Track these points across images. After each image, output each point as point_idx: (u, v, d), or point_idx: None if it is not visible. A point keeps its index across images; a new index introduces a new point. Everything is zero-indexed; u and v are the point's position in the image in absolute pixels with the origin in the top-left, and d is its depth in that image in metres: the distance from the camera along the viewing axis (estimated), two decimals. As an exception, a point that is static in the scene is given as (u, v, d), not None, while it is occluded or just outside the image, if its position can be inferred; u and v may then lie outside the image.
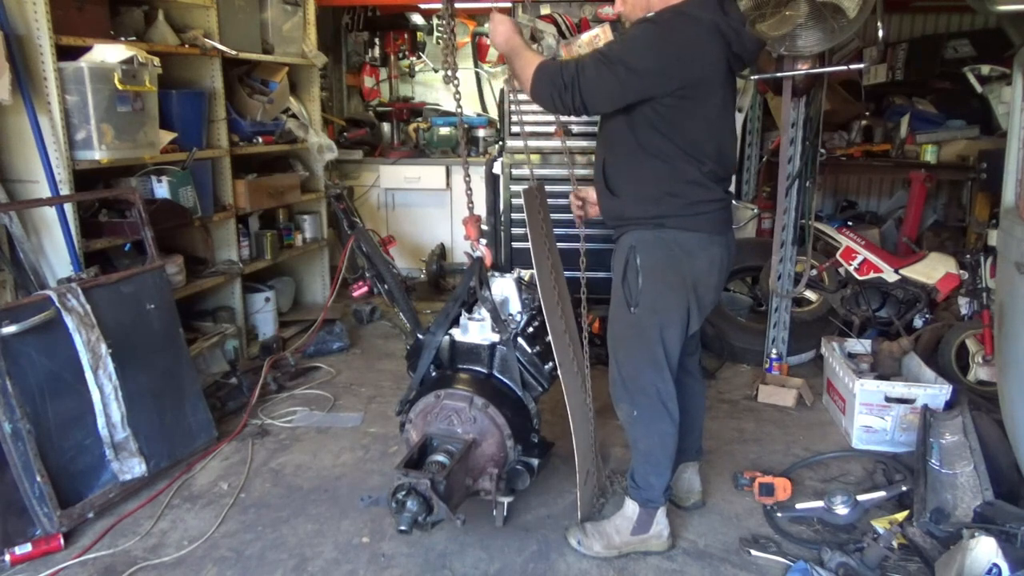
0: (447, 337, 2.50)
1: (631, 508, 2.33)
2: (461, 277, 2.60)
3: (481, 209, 4.21)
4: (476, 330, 2.49)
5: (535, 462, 2.40)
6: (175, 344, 2.94)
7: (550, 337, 2.31)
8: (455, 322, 2.54)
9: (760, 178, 5.16)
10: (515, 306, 2.58)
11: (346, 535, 2.44)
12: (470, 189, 2.44)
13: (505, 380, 2.46)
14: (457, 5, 2.43)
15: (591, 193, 2.42)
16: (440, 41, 6.10)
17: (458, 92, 2.31)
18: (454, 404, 2.32)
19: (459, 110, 2.37)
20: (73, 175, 2.83)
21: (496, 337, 2.45)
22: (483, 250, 2.45)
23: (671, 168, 2.09)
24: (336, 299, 4.15)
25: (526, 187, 2.38)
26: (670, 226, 2.11)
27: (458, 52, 2.49)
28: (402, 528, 2.04)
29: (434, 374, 2.50)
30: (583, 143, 4.54)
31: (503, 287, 2.58)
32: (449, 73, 2.28)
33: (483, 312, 2.47)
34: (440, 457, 2.21)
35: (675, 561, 2.31)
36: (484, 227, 2.49)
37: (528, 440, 2.40)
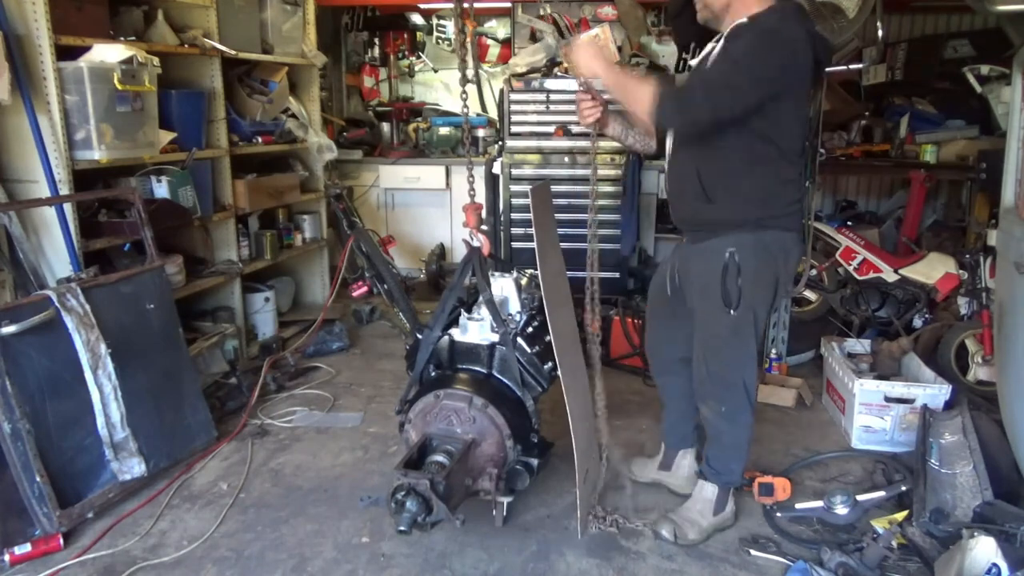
0: (447, 337, 2.50)
1: (710, 490, 2.42)
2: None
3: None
4: (476, 330, 2.48)
5: (535, 462, 2.40)
6: (175, 344, 2.94)
7: (551, 336, 2.31)
8: (454, 320, 2.53)
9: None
10: (514, 306, 2.58)
11: (346, 535, 2.44)
12: (472, 176, 2.45)
13: (505, 380, 2.45)
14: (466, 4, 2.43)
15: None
16: (440, 41, 6.11)
17: (465, 89, 2.34)
18: (453, 404, 2.32)
19: (465, 103, 2.39)
20: (72, 175, 2.83)
21: (495, 337, 2.45)
22: (481, 239, 2.45)
23: (773, 171, 2.15)
24: (336, 299, 4.15)
25: (534, 186, 2.38)
26: (771, 227, 2.18)
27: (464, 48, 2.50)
28: (401, 528, 2.04)
29: (433, 374, 2.50)
30: (584, 143, 4.54)
31: (502, 287, 2.58)
32: (466, 74, 2.33)
33: (482, 312, 2.47)
34: (439, 457, 2.21)
35: (675, 561, 2.31)
36: (484, 218, 2.49)
37: (528, 440, 2.40)
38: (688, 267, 2.35)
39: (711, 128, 2.08)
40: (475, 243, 2.45)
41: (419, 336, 2.54)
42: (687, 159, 2.25)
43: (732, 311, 2.20)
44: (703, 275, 2.25)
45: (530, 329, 2.50)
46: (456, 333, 2.50)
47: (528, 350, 2.43)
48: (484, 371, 2.47)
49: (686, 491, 2.60)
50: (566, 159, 4.58)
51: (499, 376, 2.46)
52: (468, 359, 2.49)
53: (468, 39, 2.38)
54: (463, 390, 2.34)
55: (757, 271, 2.19)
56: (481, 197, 4.47)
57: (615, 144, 4.40)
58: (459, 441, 2.27)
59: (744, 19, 2.10)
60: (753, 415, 2.36)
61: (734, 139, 2.12)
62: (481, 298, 2.46)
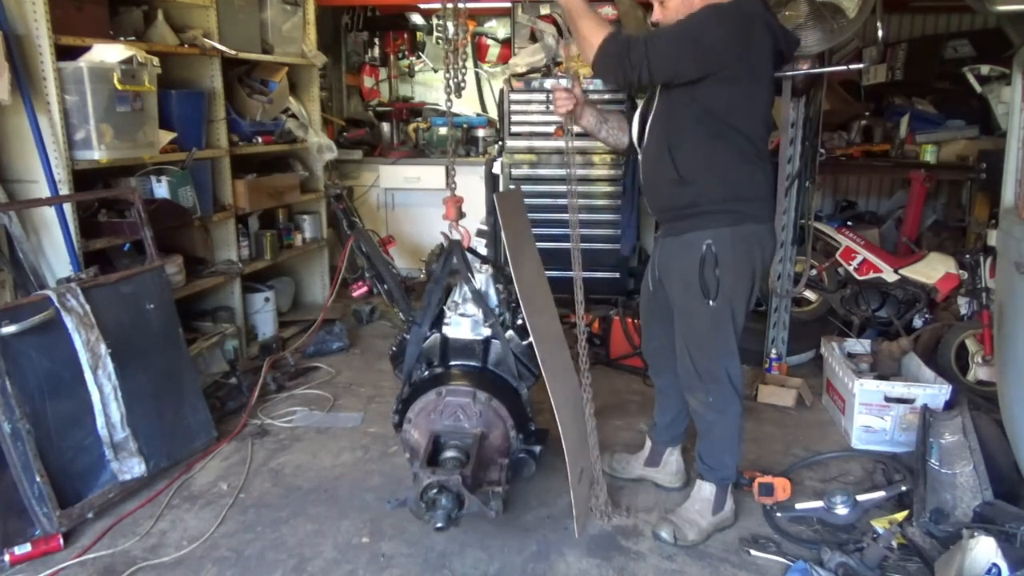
0: (437, 335, 2.49)
1: (708, 489, 2.43)
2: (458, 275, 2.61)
3: (481, 209, 4.22)
4: (467, 326, 2.48)
5: (537, 449, 2.42)
6: (175, 344, 2.94)
7: (531, 338, 2.33)
8: (440, 314, 2.54)
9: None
10: (493, 299, 2.58)
11: (346, 535, 2.44)
12: (454, 169, 2.49)
13: (499, 373, 2.48)
14: (459, 4, 2.42)
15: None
16: (440, 41, 6.11)
17: (451, 85, 2.37)
18: (458, 400, 2.32)
19: (449, 103, 2.42)
20: (72, 175, 2.83)
21: (487, 331, 2.46)
22: (461, 232, 2.46)
23: (742, 157, 2.18)
24: (336, 299, 4.15)
25: (498, 192, 2.40)
26: (747, 219, 2.21)
27: (464, 49, 2.51)
28: (439, 526, 2.04)
29: (426, 372, 2.49)
30: (584, 143, 4.55)
31: (480, 281, 2.58)
32: (452, 82, 2.34)
33: (467, 308, 2.47)
34: (452, 453, 2.21)
35: (675, 561, 2.31)
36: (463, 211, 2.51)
37: (527, 429, 2.42)
38: (667, 261, 2.37)
39: (640, 83, 2.09)
40: (454, 236, 2.46)
41: (404, 336, 2.54)
42: (660, 146, 2.27)
43: (711, 302, 2.22)
44: (682, 268, 2.27)
45: (519, 321, 2.51)
46: (448, 330, 2.50)
47: (521, 342, 2.45)
48: (479, 365, 2.48)
49: (675, 485, 2.70)
50: (566, 159, 4.57)
51: (494, 369, 2.48)
52: (462, 355, 2.50)
53: (458, 45, 2.37)
54: (465, 386, 2.35)
55: (735, 262, 2.22)
56: (481, 197, 4.47)
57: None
58: (468, 436, 2.28)
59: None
60: (741, 405, 2.38)
61: (701, 126, 2.15)
62: (459, 294, 2.48)
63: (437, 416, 2.33)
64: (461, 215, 2.49)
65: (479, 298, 2.41)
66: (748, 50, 2.08)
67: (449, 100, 2.40)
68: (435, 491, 2.06)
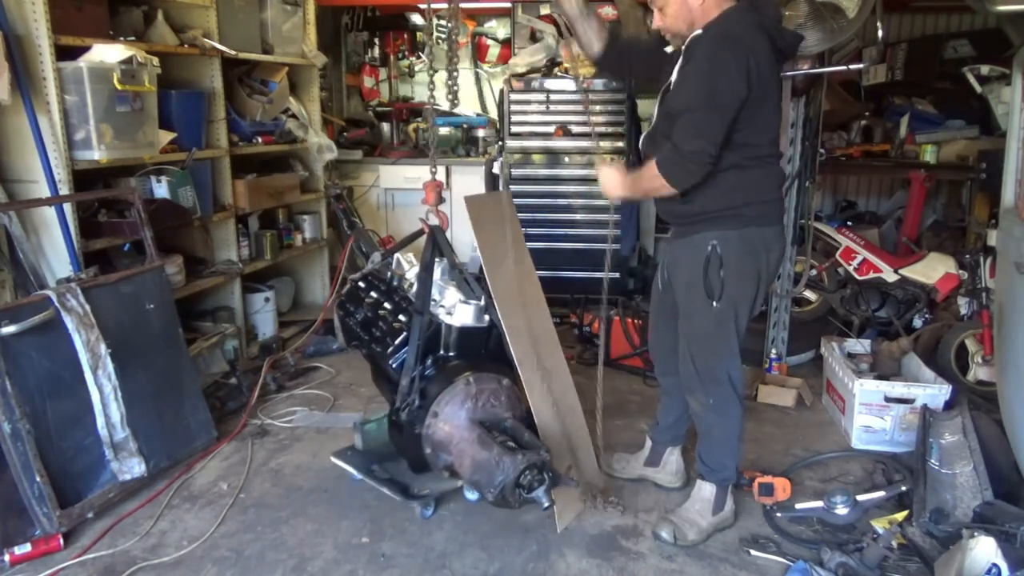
0: (441, 324, 2.48)
1: (708, 490, 2.43)
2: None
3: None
4: (471, 313, 2.47)
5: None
6: (174, 344, 2.94)
7: (507, 338, 2.36)
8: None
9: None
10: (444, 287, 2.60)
11: (346, 535, 2.44)
12: (434, 151, 2.53)
13: (499, 357, 2.50)
14: (460, 5, 2.45)
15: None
16: (440, 41, 6.11)
17: (432, 79, 2.47)
18: (487, 387, 2.34)
19: (431, 98, 2.50)
20: (72, 175, 2.83)
21: (486, 319, 2.48)
22: (439, 217, 2.48)
23: (748, 158, 2.18)
24: (336, 299, 4.15)
25: (468, 196, 2.42)
26: (752, 220, 2.20)
27: (458, 51, 2.53)
28: (548, 504, 2.06)
29: (430, 364, 2.46)
30: (583, 143, 4.55)
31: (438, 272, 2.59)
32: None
33: (454, 292, 2.50)
34: (502, 437, 2.20)
35: (675, 561, 2.31)
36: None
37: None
38: (674, 261, 2.38)
39: (713, 164, 2.10)
40: (432, 222, 2.47)
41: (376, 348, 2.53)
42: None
43: (715, 303, 2.23)
44: (687, 268, 2.28)
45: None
46: (452, 319, 2.48)
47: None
48: (483, 352, 2.50)
49: (675, 485, 2.70)
50: (566, 159, 4.58)
51: (495, 355, 2.50)
52: (467, 343, 2.49)
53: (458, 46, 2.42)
54: (488, 372, 2.37)
55: (739, 264, 2.22)
56: (481, 197, 4.48)
57: (615, 144, 4.44)
58: (505, 419, 2.29)
59: (699, 31, 2.14)
60: (742, 407, 2.39)
61: None
62: (440, 276, 2.51)
63: (472, 405, 2.32)
64: (440, 200, 2.51)
65: (476, 283, 2.42)
66: (758, 72, 2.08)
67: (432, 97, 2.46)
68: (536, 472, 2.05)
